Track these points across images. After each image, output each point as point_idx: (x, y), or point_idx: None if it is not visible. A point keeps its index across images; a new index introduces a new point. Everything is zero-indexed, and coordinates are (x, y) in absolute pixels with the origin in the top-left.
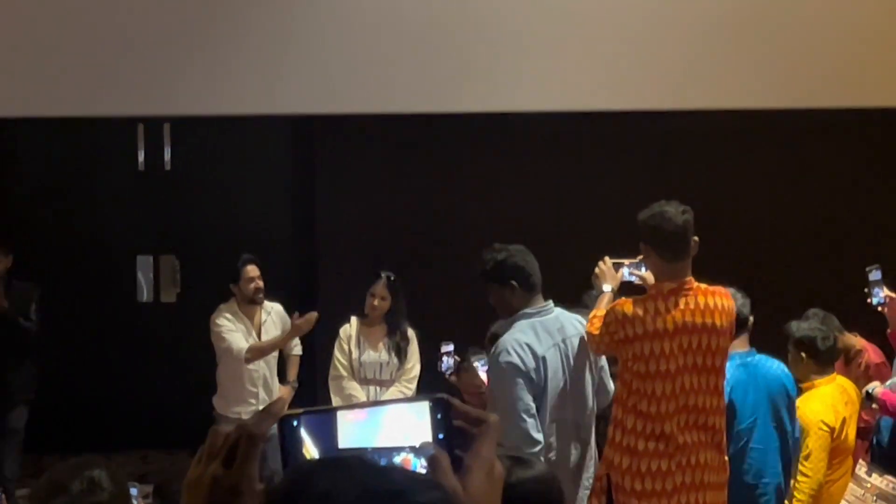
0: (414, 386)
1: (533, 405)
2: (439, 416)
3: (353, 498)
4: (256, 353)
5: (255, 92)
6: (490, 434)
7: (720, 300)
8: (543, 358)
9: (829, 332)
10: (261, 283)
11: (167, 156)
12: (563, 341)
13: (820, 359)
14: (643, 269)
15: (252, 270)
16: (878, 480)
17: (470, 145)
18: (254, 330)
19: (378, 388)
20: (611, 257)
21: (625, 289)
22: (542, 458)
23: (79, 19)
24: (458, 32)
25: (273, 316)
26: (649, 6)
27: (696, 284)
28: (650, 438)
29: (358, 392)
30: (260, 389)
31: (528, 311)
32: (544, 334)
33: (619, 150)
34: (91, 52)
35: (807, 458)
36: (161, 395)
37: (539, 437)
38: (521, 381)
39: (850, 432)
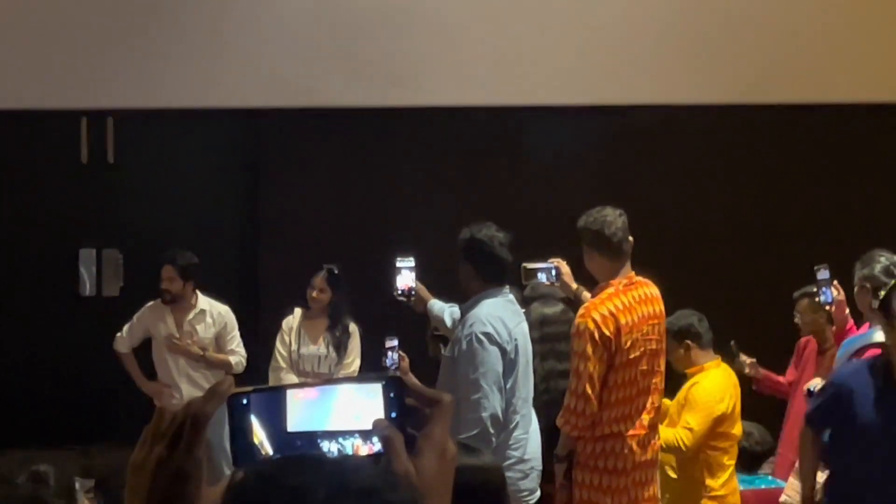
0: None
1: (502, 380)
2: (392, 394)
3: (323, 495)
4: (122, 358)
5: (199, 85)
6: (444, 415)
7: (653, 289)
8: (513, 332)
9: (702, 315)
10: (171, 287)
11: (110, 149)
12: (522, 323)
13: (702, 341)
14: (554, 272)
15: (165, 271)
16: (820, 476)
17: (417, 140)
18: (176, 326)
19: (305, 381)
20: (528, 263)
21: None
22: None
23: (20, 11)
24: (406, 26)
25: (207, 317)
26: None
27: (636, 278)
28: (613, 423)
29: None
30: (183, 384)
31: (489, 292)
32: (510, 313)
33: (567, 147)
34: (33, 45)
35: (690, 430)
36: (103, 389)
37: (501, 415)
38: (496, 351)
39: (738, 415)
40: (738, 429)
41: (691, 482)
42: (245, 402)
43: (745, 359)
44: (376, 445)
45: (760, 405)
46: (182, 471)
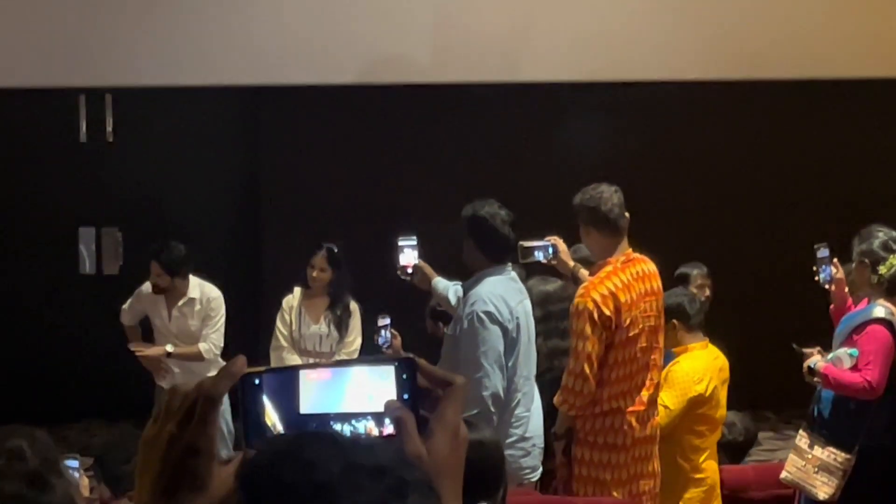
0: None
1: (503, 359)
2: (405, 376)
3: (338, 470)
4: (126, 330)
5: (199, 63)
6: (456, 397)
7: (650, 265)
8: (515, 311)
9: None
10: (159, 281)
11: (109, 127)
12: (524, 301)
13: (690, 323)
14: (551, 250)
15: (153, 268)
16: (820, 452)
17: (417, 116)
18: (167, 312)
19: (318, 361)
20: (525, 241)
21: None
22: (512, 411)
23: None
24: (405, 4)
25: (197, 304)
26: None
27: (634, 255)
28: (612, 399)
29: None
30: (175, 368)
31: (492, 270)
32: (512, 291)
33: (573, 122)
34: (30, 22)
35: (665, 407)
36: (103, 367)
37: (502, 394)
38: (497, 329)
39: (722, 399)
40: (720, 413)
41: (670, 466)
42: (257, 382)
43: (809, 351)
44: (389, 428)
45: (746, 394)
46: (194, 446)
